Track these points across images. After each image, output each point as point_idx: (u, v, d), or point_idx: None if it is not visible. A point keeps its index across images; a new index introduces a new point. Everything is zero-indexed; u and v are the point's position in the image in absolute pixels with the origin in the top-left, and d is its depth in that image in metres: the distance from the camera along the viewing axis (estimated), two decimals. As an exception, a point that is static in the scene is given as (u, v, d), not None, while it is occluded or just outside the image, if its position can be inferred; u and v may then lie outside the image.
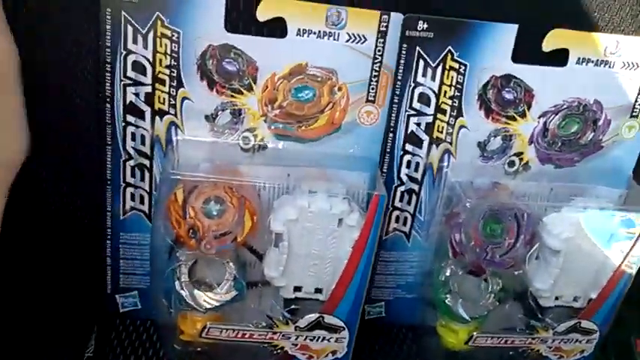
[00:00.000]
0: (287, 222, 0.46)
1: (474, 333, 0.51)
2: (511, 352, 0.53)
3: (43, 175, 0.49)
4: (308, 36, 0.45)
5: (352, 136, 0.48)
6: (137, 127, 0.47)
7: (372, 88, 0.47)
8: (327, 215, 0.45)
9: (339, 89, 0.47)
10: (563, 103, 0.48)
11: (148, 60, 0.45)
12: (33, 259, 0.51)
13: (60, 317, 0.51)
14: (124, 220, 0.50)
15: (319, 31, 0.45)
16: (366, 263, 0.47)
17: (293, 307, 0.49)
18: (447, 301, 0.50)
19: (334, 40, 0.45)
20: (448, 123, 0.48)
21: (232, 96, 0.46)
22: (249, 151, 0.48)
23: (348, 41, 0.45)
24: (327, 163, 0.48)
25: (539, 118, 0.49)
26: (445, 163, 0.50)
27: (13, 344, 0.49)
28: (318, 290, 0.49)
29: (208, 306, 0.48)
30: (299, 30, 0.44)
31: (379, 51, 0.45)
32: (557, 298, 0.51)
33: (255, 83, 0.46)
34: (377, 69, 0.46)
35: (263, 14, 0.44)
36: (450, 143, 0.49)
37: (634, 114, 0.50)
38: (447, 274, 0.50)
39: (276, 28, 0.45)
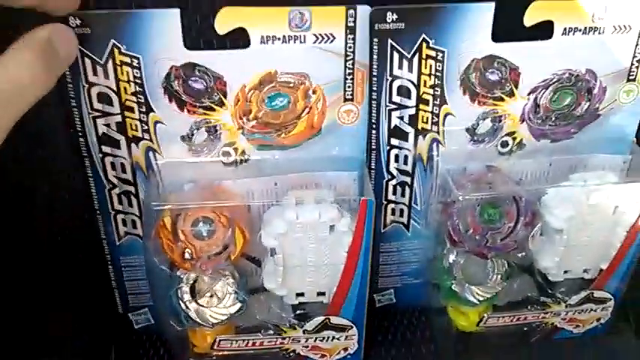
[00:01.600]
0: (277, 236, 0.45)
1: (485, 314, 0.50)
2: (525, 328, 0.52)
3: (35, 211, 0.49)
4: (273, 42, 0.42)
5: (334, 137, 0.46)
6: (115, 156, 0.46)
7: (349, 87, 0.44)
8: (317, 224, 0.44)
9: (314, 92, 0.44)
10: (553, 76, 0.45)
11: (113, 90, 0.43)
12: (40, 290, 0.52)
13: (77, 343, 0.52)
14: (121, 245, 0.50)
15: (284, 36, 0.42)
16: (364, 265, 0.46)
17: (299, 312, 0.49)
18: (453, 287, 0.49)
19: (301, 42, 0.42)
20: (432, 112, 0.46)
21: (205, 114, 0.44)
22: (232, 165, 0.47)
23: (315, 42, 0.42)
24: (314, 167, 0.47)
25: (529, 94, 0.46)
26: (435, 152, 0.48)
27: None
28: (320, 294, 0.48)
29: (215, 321, 0.48)
30: (262, 37, 0.42)
31: (350, 48, 0.43)
32: (566, 272, 0.50)
33: (225, 98, 0.44)
34: (350, 66, 0.44)
35: (222, 27, 0.41)
36: (437, 132, 0.47)
37: (631, 77, 0.46)
38: (450, 261, 0.49)
39: (239, 38, 0.42)
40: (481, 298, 0.49)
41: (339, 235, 0.45)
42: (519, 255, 0.48)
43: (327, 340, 0.49)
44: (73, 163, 0.46)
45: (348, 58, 0.43)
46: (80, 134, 0.45)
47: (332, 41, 0.42)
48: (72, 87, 0.43)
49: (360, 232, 0.44)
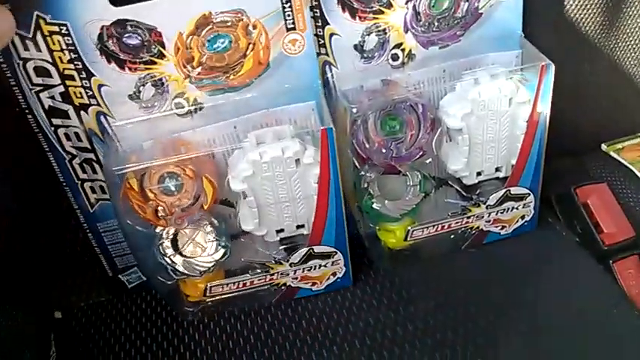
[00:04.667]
0: (245, 179, 0.45)
1: (410, 228, 0.51)
2: (452, 236, 0.53)
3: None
4: (201, -18, 0.40)
5: (284, 69, 0.45)
6: (67, 126, 0.45)
7: (288, 15, 0.43)
8: (282, 161, 0.44)
9: (254, 27, 0.43)
10: None
11: (48, 61, 0.42)
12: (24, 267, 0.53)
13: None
14: (95, 212, 0.50)
15: (211, -25, 0.40)
16: (336, 191, 0.46)
17: (282, 247, 0.50)
18: (374, 205, 0.49)
19: (230, -23, 0.41)
20: (317, 35, 0.45)
21: (147, 68, 0.43)
22: (187, 115, 0.46)
23: (245, -25, 0.41)
24: (271, 104, 0.46)
25: (407, 3, 0.45)
26: (329, 75, 0.47)
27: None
28: (300, 226, 0.49)
29: (202, 269, 0.49)
30: (189, -20, 0.40)
31: (282, -26, 0.41)
32: (479, 174, 0.50)
33: (164, 49, 0.42)
34: (286, -7, 0.42)
35: (144, -24, 0.40)
36: (327, 54, 0.46)
37: None
38: (367, 180, 0.49)
39: (164, -15, 0.40)
40: (402, 212, 0.50)
41: (306, 168, 0.45)
42: (427, 162, 0.48)
43: (314, 269, 0.50)
44: (27, 142, 0.46)
45: (282, -14, 0.42)
46: (27, 111, 0.44)
47: (262, -29, 0.41)
48: (6, 67, 0.41)
49: (326, 161, 0.44)
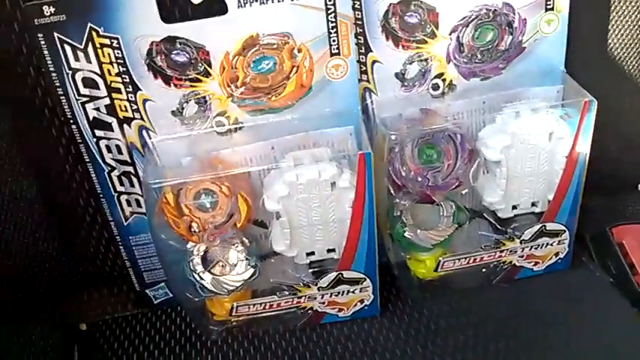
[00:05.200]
0: (280, 199, 0.45)
1: (441, 258, 0.50)
2: (484, 270, 0.52)
3: (39, 202, 0.50)
4: (250, 5, 0.41)
5: (326, 93, 0.45)
6: (109, 139, 0.46)
7: (334, 41, 0.43)
8: (317, 183, 0.44)
9: (299, 51, 0.44)
10: (471, 13, 0.45)
11: (97, 73, 0.43)
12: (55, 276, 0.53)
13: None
14: (129, 225, 0.50)
15: (261, -2, 0.41)
16: (370, 217, 0.46)
17: (311, 270, 0.50)
18: (406, 234, 0.49)
19: (279, 1, 0.41)
20: (360, 61, 0.46)
21: (192, 86, 0.44)
22: (227, 134, 0.46)
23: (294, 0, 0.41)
24: (310, 127, 0.46)
25: (451, 34, 0.46)
26: (368, 101, 0.48)
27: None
28: (330, 250, 0.49)
29: (230, 288, 0.49)
30: (239, 1, 0.41)
31: (330, 0, 0.42)
32: (514, 207, 0.50)
33: (210, 67, 0.43)
34: (333, 19, 0.43)
35: (196, -5, 0.41)
36: (368, 81, 0.47)
37: (549, 6, 0.46)
38: (400, 208, 0.49)
39: (215, 5, 0.41)
40: (434, 242, 0.49)
41: (342, 191, 0.45)
42: (463, 192, 0.48)
43: (342, 295, 0.50)
44: (68, 151, 0.47)
45: (329, 12, 0.42)
46: (71, 121, 0.44)
47: (311, -4, 0.42)
48: (56, 75, 0.43)
49: (362, 186, 0.44)
